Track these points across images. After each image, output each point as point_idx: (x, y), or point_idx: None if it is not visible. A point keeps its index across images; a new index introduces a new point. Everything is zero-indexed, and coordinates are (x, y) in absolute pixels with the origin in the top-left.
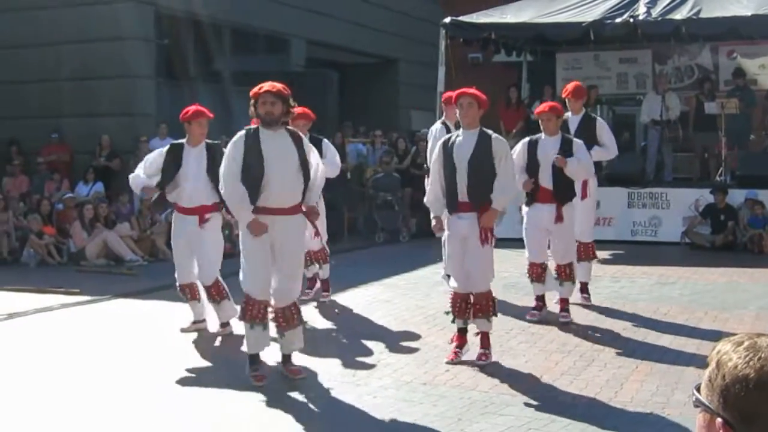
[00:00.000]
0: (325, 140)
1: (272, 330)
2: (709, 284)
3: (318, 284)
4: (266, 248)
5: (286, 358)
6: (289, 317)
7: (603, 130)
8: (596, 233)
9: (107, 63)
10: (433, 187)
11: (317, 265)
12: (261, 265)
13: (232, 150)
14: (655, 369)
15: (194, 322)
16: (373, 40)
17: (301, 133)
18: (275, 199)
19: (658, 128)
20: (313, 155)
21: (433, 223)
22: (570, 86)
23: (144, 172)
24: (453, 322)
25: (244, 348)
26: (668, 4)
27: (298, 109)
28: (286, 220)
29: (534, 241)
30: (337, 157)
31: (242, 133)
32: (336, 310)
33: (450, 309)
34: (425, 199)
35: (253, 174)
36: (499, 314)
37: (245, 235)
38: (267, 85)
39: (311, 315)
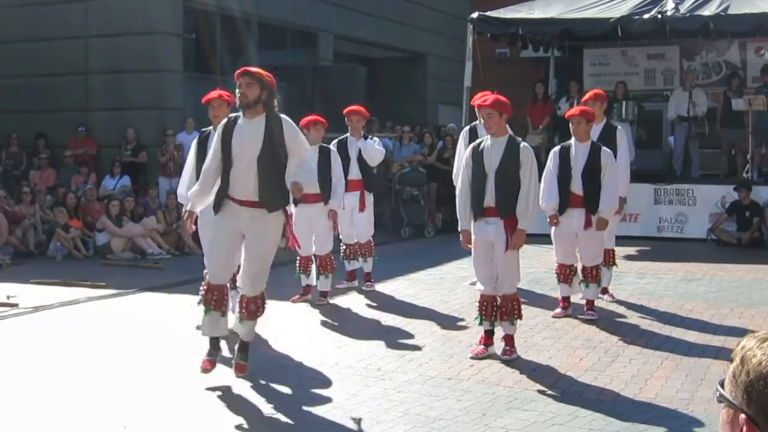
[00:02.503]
0: (376, 139)
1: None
2: (735, 281)
3: (356, 278)
4: (230, 235)
5: (242, 347)
6: (254, 310)
7: (622, 140)
8: (622, 229)
9: (135, 57)
10: (462, 196)
11: (359, 260)
12: (222, 250)
13: (214, 140)
14: (681, 365)
15: None
16: (401, 34)
17: (286, 121)
18: (239, 190)
19: (685, 124)
20: (297, 146)
21: (462, 238)
22: (590, 93)
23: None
24: (480, 324)
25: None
26: (696, 0)
27: (352, 107)
28: (253, 211)
29: (563, 244)
30: (380, 147)
31: (224, 120)
32: (336, 309)
33: (478, 314)
34: (457, 209)
35: (223, 162)
36: (524, 309)
37: (215, 219)
38: (246, 68)
39: (335, 308)
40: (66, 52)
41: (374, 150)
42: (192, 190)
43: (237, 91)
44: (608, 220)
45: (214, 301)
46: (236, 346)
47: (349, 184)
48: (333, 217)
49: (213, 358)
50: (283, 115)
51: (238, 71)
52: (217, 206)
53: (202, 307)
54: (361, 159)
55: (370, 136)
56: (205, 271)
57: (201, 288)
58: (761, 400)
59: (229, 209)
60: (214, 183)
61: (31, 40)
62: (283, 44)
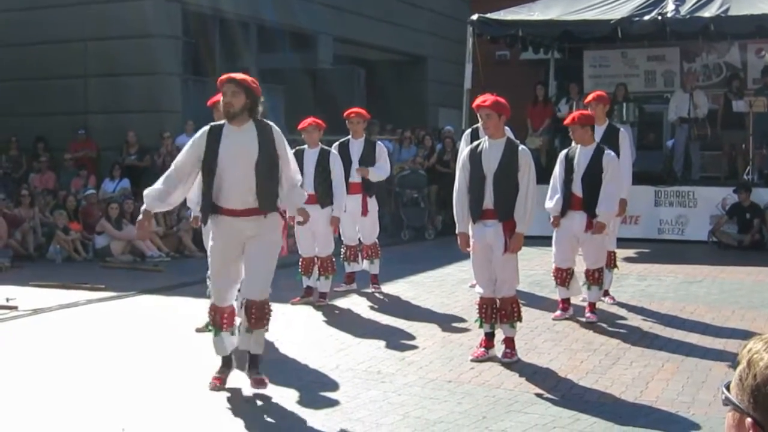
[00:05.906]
0: (380, 143)
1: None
2: (736, 283)
3: (355, 281)
4: (233, 257)
5: (254, 360)
6: (261, 316)
7: (625, 142)
8: (623, 231)
9: (134, 60)
10: (459, 198)
11: (359, 262)
12: (226, 274)
13: (189, 147)
14: (682, 368)
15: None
16: (401, 37)
17: (275, 128)
18: (234, 199)
19: (686, 126)
20: (287, 155)
21: (459, 240)
22: (592, 95)
23: None
24: (480, 326)
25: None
26: (697, 2)
27: (353, 109)
28: (252, 219)
29: (562, 247)
30: (387, 165)
31: (206, 128)
32: (336, 311)
33: (478, 317)
34: (454, 211)
35: (208, 172)
36: (524, 312)
37: (213, 238)
38: (231, 75)
39: (336, 311)
40: (64, 55)
41: (376, 175)
42: (152, 188)
43: (222, 99)
44: (605, 225)
45: (225, 322)
46: (247, 363)
47: (351, 187)
48: (335, 223)
49: (224, 375)
50: (270, 123)
51: (222, 78)
52: (206, 219)
53: (209, 328)
54: (362, 162)
55: (378, 140)
56: (208, 290)
57: (209, 312)
58: None
59: (226, 227)
60: (180, 184)
61: (30, 44)
62: (281, 47)
